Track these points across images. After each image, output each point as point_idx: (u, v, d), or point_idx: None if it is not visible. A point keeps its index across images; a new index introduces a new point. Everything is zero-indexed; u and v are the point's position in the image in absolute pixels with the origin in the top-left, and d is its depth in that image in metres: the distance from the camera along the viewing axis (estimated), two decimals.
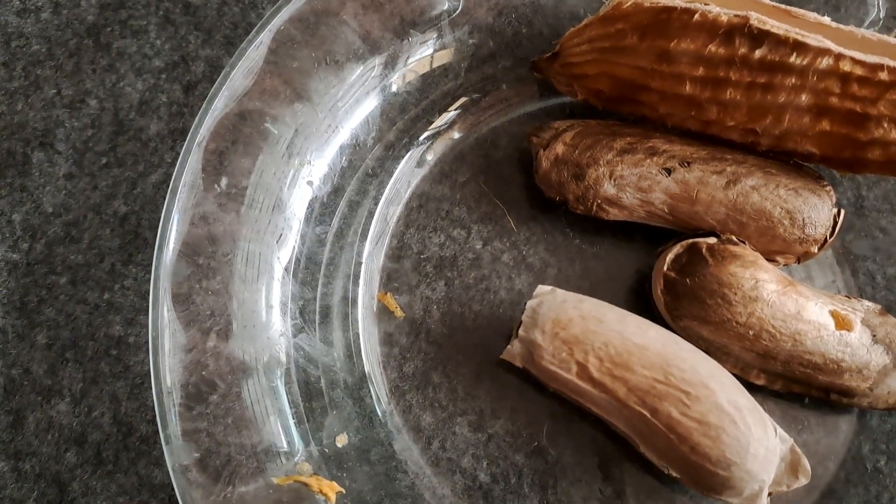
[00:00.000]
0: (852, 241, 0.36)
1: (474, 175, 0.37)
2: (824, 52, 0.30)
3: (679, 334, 0.32)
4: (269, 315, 0.33)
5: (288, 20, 0.33)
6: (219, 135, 0.32)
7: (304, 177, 0.35)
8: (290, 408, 0.32)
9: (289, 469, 0.30)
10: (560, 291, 0.32)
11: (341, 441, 0.33)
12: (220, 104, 0.32)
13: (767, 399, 0.34)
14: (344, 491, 0.31)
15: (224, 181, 0.32)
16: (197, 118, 0.31)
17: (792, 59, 0.30)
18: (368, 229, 0.36)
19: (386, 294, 0.35)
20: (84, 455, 0.34)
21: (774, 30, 0.30)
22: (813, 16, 0.32)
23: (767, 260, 0.33)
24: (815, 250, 0.33)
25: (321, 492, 0.30)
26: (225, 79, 0.32)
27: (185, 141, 0.31)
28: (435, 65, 0.37)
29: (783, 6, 0.32)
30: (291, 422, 0.32)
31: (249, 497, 0.29)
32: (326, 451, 0.32)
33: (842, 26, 0.31)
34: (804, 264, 0.36)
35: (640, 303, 0.35)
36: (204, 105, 0.31)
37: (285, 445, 0.31)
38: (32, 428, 0.34)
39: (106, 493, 0.33)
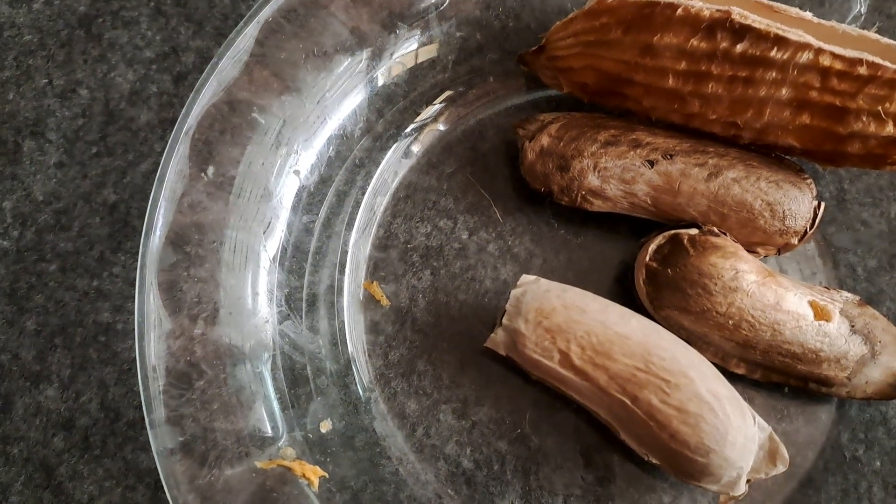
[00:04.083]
0: (834, 233, 0.37)
1: (461, 166, 0.38)
2: (805, 46, 0.30)
3: (660, 324, 0.33)
4: (255, 303, 0.33)
5: (277, 11, 0.33)
6: (207, 124, 0.32)
7: (291, 166, 0.35)
8: (276, 394, 0.32)
9: (273, 454, 0.31)
10: (544, 281, 0.33)
11: (325, 427, 0.33)
12: (208, 94, 0.32)
13: (748, 388, 0.34)
14: (327, 476, 0.31)
15: (212, 170, 0.32)
16: (185, 107, 0.31)
17: (773, 53, 0.30)
18: (355, 219, 0.37)
19: (372, 283, 0.36)
20: (71, 440, 0.34)
21: (756, 24, 0.30)
22: (795, 11, 0.32)
23: (748, 251, 0.33)
24: (796, 242, 0.33)
25: (304, 476, 0.30)
26: (213, 69, 0.32)
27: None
28: (422, 57, 0.38)
29: (766, 1, 0.32)
30: (276, 407, 0.32)
31: (234, 481, 0.29)
32: (310, 436, 0.32)
33: (823, 21, 0.32)
34: (785, 256, 0.36)
35: (623, 293, 0.35)
36: (192, 94, 0.32)
37: (270, 431, 0.31)
38: (20, 413, 0.34)
39: (93, 478, 0.34)
